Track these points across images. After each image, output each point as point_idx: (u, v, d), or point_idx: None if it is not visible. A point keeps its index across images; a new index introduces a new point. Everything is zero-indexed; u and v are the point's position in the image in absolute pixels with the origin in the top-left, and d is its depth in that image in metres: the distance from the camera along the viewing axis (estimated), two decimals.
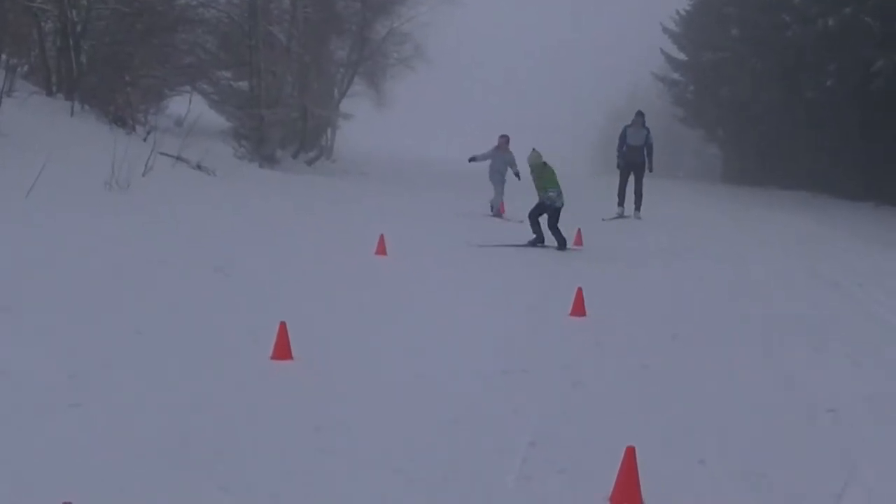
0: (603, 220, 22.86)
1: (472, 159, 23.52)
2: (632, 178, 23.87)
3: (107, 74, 26.46)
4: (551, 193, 17.93)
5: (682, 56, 51.60)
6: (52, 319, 10.19)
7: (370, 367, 9.18)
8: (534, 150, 18.34)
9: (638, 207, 23.73)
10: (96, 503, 5.77)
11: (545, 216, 17.99)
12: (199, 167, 24.94)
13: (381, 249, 15.81)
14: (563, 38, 71.37)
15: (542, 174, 18.16)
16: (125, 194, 18.96)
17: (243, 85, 35.75)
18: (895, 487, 6.80)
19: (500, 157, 23.22)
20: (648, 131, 23.94)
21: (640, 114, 24.21)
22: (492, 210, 23.08)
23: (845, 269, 16.81)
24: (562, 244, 17.65)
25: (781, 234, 22.15)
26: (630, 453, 6.23)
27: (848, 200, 32.83)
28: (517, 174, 22.91)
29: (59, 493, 5.58)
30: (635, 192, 23.75)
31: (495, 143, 23.57)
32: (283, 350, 9.16)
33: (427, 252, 16.72)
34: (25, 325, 9.88)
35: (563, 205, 17.94)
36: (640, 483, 6.20)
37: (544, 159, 18.22)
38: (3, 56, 22.74)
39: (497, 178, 23.27)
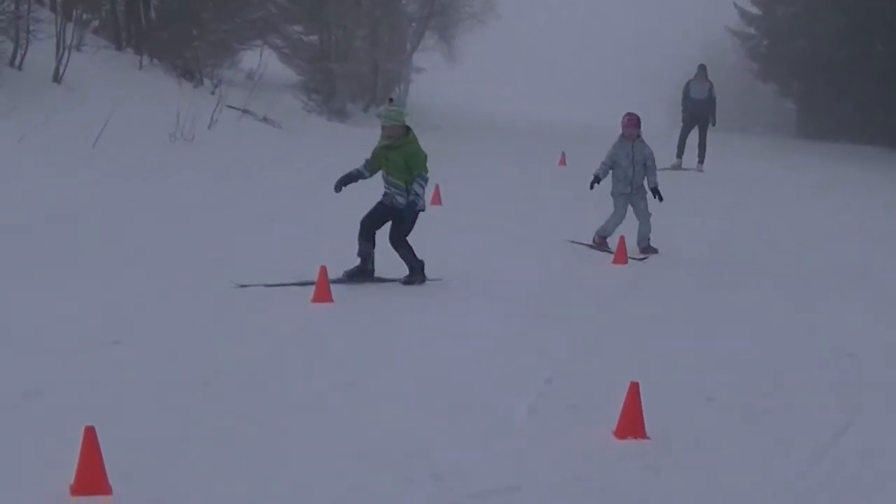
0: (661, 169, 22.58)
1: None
2: (695, 132, 23.74)
3: (176, 29, 26.89)
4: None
5: (755, 10, 51.08)
6: (106, 262, 10.68)
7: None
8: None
9: (701, 160, 23.62)
10: (121, 428, 6.11)
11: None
12: (265, 120, 25.35)
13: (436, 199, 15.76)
14: None
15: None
16: (189, 146, 19.41)
17: (314, 39, 36.10)
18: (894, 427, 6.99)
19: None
20: (711, 85, 23.70)
21: (702, 67, 23.99)
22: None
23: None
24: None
25: (839, 188, 21.91)
26: (634, 389, 6.47)
27: None
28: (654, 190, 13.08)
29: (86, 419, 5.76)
30: (699, 146, 23.63)
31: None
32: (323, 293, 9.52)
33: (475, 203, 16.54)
34: (80, 268, 10.40)
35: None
36: (645, 418, 6.44)
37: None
38: (76, 11, 23.18)
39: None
